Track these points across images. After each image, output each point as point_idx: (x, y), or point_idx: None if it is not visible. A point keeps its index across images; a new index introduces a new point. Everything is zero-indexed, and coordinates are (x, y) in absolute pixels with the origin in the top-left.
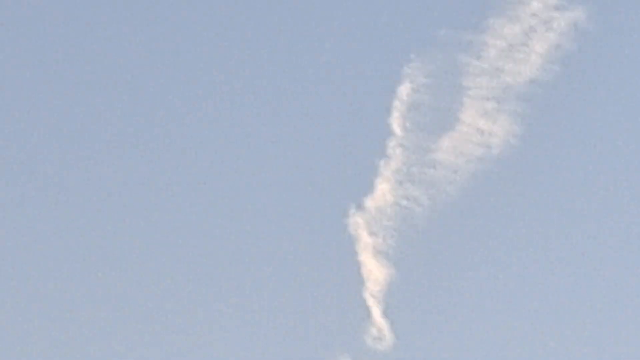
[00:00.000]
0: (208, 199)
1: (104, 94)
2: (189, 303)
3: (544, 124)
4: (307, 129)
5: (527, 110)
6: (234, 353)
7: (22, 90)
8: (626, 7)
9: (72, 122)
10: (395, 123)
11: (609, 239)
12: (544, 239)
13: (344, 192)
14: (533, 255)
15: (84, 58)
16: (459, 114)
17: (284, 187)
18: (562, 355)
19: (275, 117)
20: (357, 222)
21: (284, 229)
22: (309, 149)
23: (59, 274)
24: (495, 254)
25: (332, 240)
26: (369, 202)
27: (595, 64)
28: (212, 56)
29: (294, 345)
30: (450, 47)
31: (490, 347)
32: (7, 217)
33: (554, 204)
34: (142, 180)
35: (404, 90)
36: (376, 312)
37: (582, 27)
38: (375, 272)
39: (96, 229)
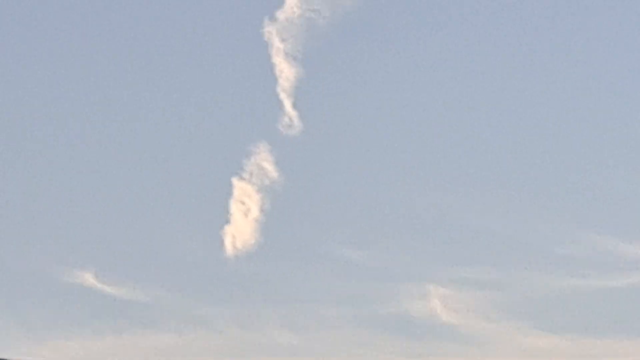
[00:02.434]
0: None
1: None
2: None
3: None
4: None
5: None
6: (164, 136)
7: None
8: None
9: None
10: None
11: None
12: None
13: (258, 6)
14: (425, 54)
15: None
16: None
17: (207, 3)
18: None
19: None
20: (270, 31)
21: (208, 37)
22: None
23: None
24: (388, 55)
25: (249, 46)
26: (280, 14)
27: None
28: None
29: (219, 134)
30: None
31: (387, 130)
32: None
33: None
34: None
35: None
36: (287, 105)
37: None
38: (286, 72)
39: None
